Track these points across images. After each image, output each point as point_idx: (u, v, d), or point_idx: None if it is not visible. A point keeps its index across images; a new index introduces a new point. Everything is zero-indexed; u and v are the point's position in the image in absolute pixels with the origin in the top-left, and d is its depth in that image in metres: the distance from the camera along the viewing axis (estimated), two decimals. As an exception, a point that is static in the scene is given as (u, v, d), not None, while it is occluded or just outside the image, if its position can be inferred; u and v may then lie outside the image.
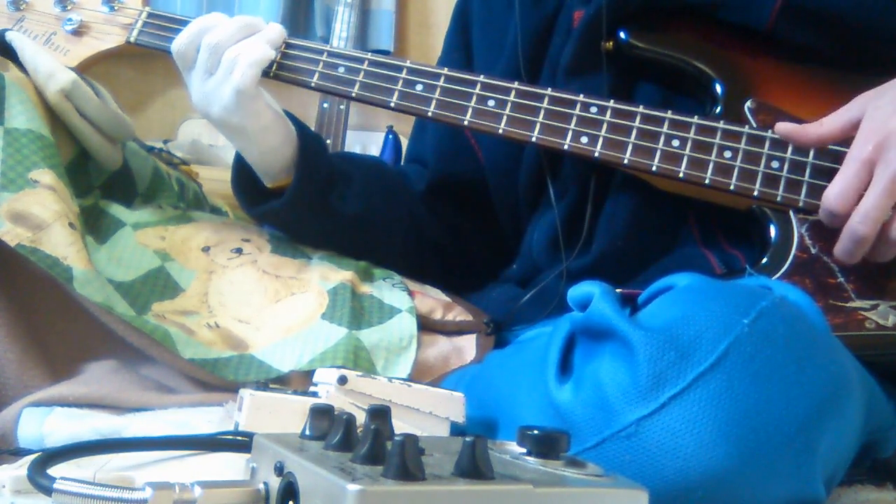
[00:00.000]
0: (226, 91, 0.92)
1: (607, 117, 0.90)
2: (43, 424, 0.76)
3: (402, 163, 2.08)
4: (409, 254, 1.08)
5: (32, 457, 0.57)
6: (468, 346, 0.97)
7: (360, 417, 0.51)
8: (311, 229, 1.02)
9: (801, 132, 0.83)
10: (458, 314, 1.00)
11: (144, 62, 2.30)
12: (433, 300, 1.01)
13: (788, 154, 0.86)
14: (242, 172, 1.01)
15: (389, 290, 0.99)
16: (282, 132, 0.96)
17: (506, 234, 1.09)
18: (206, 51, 0.92)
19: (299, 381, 0.84)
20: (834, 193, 0.78)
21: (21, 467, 0.61)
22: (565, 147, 0.90)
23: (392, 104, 0.95)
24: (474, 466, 0.45)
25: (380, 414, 0.51)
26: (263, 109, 0.94)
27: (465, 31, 1.11)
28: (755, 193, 0.86)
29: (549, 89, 0.92)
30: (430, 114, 0.94)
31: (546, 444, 0.51)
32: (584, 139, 0.90)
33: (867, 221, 0.77)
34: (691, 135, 0.88)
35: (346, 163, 1.05)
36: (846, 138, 0.80)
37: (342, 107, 2.12)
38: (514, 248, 1.08)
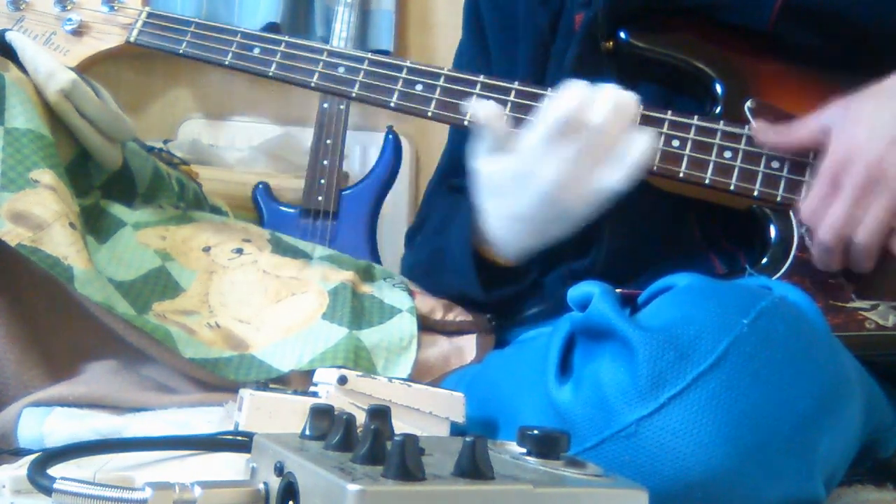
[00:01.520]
0: (600, 188, 0.82)
1: (607, 117, 0.89)
2: (43, 424, 0.77)
3: (401, 167, 2.09)
4: None
5: (32, 457, 0.57)
6: (468, 346, 0.97)
7: (360, 417, 0.51)
8: None
9: (772, 135, 0.85)
10: (459, 314, 1.00)
11: (144, 62, 2.29)
12: (433, 300, 1.01)
13: (789, 154, 0.86)
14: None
15: (390, 290, 0.99)
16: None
17: None
18: (596, 133, 0.81)
19: (299, 381, 0.84)
20: (805, 206, 0.81)
21: (21, 467, 0.61)
22: (565, 147, 0.90)
23: (392, 104, 0.95)
24: (474, 466, 0.45)
25: (380, 414, 0.51)
26: None
27: (480, 35, 1.10)
28: (755, 193, 0.86)
29: (549, 89, 0.92)
30: (429, 114, 0.94)
31: (546, 444, 0.51)
32: (585, 139, 0.89)
33: (831, 232, 0.79)
34: (691, 135, 0.88)
35: None
36: (815, 145, 0.82)
37: (342, 107, 2.12)
38: None
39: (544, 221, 0.86)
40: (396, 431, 0.48)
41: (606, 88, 0.83)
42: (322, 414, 0.53)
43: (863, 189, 0.77)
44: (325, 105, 2.12)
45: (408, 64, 0.96)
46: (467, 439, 0.46)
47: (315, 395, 0.71)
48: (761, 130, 0.86)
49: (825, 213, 0.80)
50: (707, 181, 0.87)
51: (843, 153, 0.79)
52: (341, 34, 2.20)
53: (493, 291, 0.95)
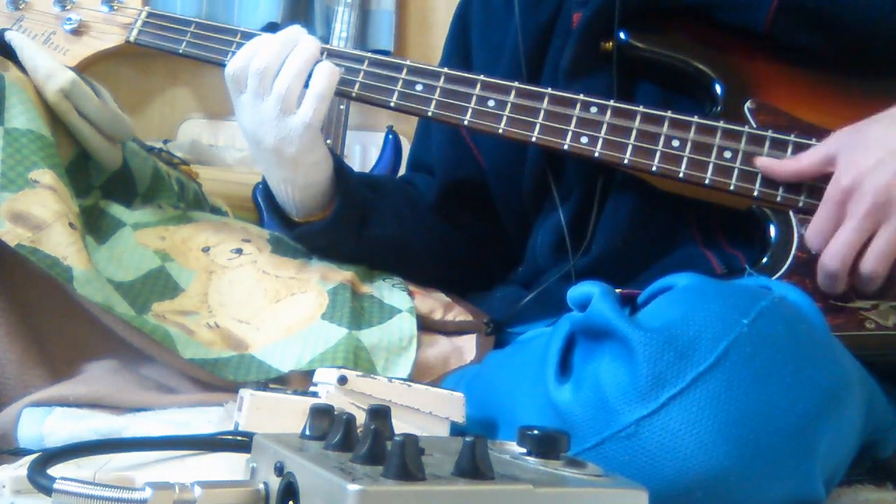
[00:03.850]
0: (293, 123, 0.91)
1: (607, 118, 0.90)
2: (43, 424, 0.76)
3: (401, 166, 2.10)
4: (439, 266, 1.08)
5: (32, 457, 0.57)
6: (468, 346, 0.97)
7: (360, 417, 0.51)
8: (344, 253, 1.02)
9: (777, 167, 0.85)
10: (458, 314, 1.00)
11: (144, 62, 2.30)
12: (433, 300, 1.01)
13: (789, 155, 0.86)
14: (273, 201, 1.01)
15: (389, 291, 0.99)
16: (326, 167, 0.96)
17: (511, 237, 1.09)
18: (255, 77, 0.91)
19: (299, 381, 0.84)
20: (811, 232, 0.82)
21: (21, 467, 0.61)
22: (565, 147, 0.90)
23: (392, 104, 0.95)
24: (474, 466, 0.45)
25: (380, 414, 0.51)
26: (320, 144, 0.94)
27: (464, 35, 1.11)
28: (755, 193, 0.86)
29: (549, 89, 0.92)
30: (429, 114, 0.94)
31: (546, 444, 0.51)
32: (584, 139, 0.90)
33: (835, 258, 0.79)
34: (691, 135, 0.88)
35: (373, 190, 1.05)
36: (823, 174, 0.82)
37: (342, 107, 2.12)
38: (519, 250, 1.08)
39: (271, 165, 0.95)
40: (396, 431, 0.48)
41: (275, 35, 0.93)
42: (322, 414, 0.53)
43: (869, 216, 0.77)
44: (325, 105, 2.12)
45: (408, 64, 0.96)
46: (467, 439, 0.46)
47: (315, 395, 0.71)
48: (768, 165, 0.86)
49: (831, 240, 0.80)
50: (707, 181, 0.87)
51: (850, 180, 0.79)
52: (341, 34, 2.20)
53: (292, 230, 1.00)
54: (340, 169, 0.98)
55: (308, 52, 0.93)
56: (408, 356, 0.91)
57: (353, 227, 0.99)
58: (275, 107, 0.90)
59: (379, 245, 1.02)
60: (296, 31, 0.95)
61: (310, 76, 0.92)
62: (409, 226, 1.05)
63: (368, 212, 1.01)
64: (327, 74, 0.92)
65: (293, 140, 0.91)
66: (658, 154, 0.88)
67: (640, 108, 0.89)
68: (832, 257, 0.80)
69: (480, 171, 1.08)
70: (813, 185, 0.84)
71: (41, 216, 0.82)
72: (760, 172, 0.86)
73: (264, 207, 1.02)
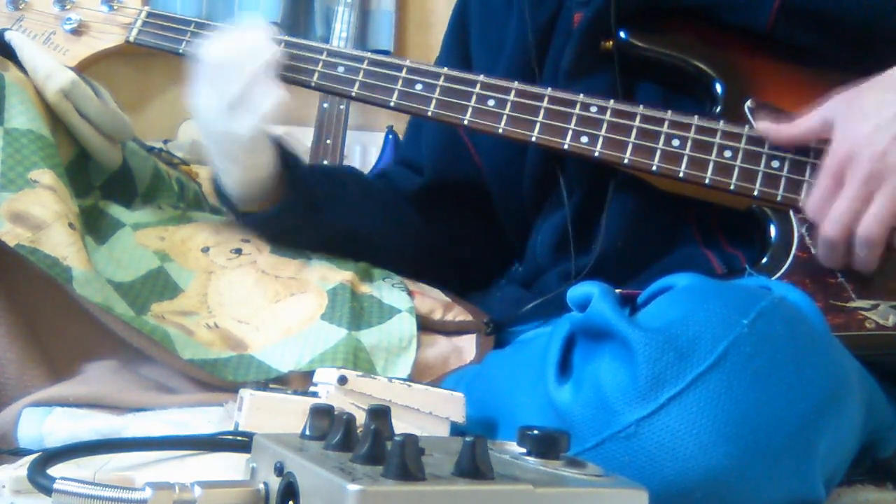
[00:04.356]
0: (239, 129, 0.91)
1: (607, 117, 0.90)
2: (43, 424, 0.76)
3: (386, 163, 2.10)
4: (406, 256, 1.08)
5: (32, 457, 0.57)
6: (468, 346, 0.97)
7: (360, 417, 0.51)
8: (297, 241, 1.02)
9: (775, 131, 0.85)
10: (458, 314, 1.00)
11: (144, 62, 2.29)
12: (433, 300, 1.01)
13: (789, 154, 0.86)
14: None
15: (389, 291, 0.99)
16: (268, 166, 0.96)
17: (510, 237, 1.09)
18: (215, 69, 0.91)
19: (299, 381, 0.84)
20: (811, 202, 0.82)
21: (21, 467, 0.61)
22: (565, 147, 0.90)
23: (392, 104, 0.95)
24: (474, 466, 0.45)
25: (380, 414, 0.51)
26: (265, 149, 0.95)
27: (462, 33, 1.11)
28: (755, 193, 0.86)
29: (549, 89, 0.92)
30: (430, 113, 0.94)
31: (546, 444, 0.51)
32: (584, 139, 0.90)
33: (834, 226, 0.80)
34: (691, 134, 0.88)
35: (327, 179, 1.05)
36: (820, 139, 0.83)
37: (342, 107, 2.12)
38: (518, 250, 1.08)
39: (214, 154, 0.96)
40: (396, 431, 0.48)
41: (244, 34, 0.94)
42: (322, 414, 0.53)
43: (866, 183, 0.77)
44: (325, 105, 2.12)
45: (407, 63, 0.96)
46: (467, 439, 0.46)
47: (315, 395, 0.71)
48: (764, 126, 0.86)
49: (829, 208, 0.80)
50: (707, 181, 0.87)
51: (847, 148, 0.79)
52: (341, 34, 2.20)
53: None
54: (283, 150, 0.98)
55: (263, 60, 0.93)
56: (407, 356, 0.91)
57: (301, 214, 0.99)
58: (225, 105, 0.91)
59: (334, 232, 1.02)
60: (257, 35, 0.95)
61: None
62: (366, 214, 1.05)
63: (318, 198, 1.01)
64: (275, 97, 0.93)
65: (236, 139, 0.92)
66: (658, 153, 0.88)
67: (640, 108, 0.89)
68: (832, 224, 0.80)
69: (476, 170, 1.08)
70: (813, 184, 0.84)
71: (41, 216, 0.82)
72: (755, 133, 0.86)
73: (214, 192, 1.02)
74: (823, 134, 0.82)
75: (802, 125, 0.84)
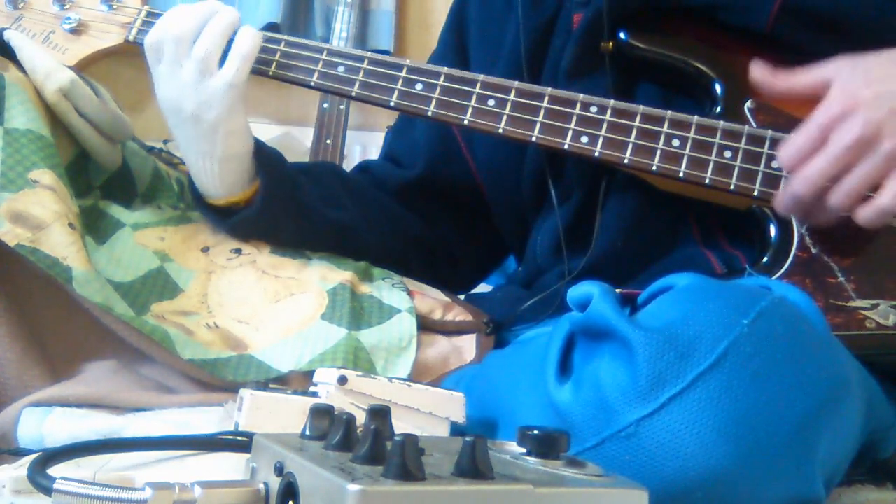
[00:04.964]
0: (214, 85, 0.90)
1: (607, 117, 0.90)
2: (43, 424, 0.76)
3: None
4: (392, 250, 1.08)
5: (32, 457, 0.57)
6: (468, 346, 0.97)
7: (360, 417, 0.51)
8: (284, 238, 1.01)
9: (770, 82, 0.84)
10: (458, 314, 1.00)
11: (144, 61, 2.29)
12: (433, 300, 1.01)
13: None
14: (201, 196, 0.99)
15: (389, 291, 0.99)
16: (247, 140, 0.95)
17: (508, 238, 1.09)
18: (172, 43, 0.91)
19: (299, 381, 0.84)
20: (786, 150, 0.80)
21: (21, 467, 0.61)
22: (565, 146, 0.90)
23: (392, 104, 0.95)
24: (474, 466, 0.45)
25: (380, 414, 0.51)
26: (241, 110, 0.93)
27: (460, 33, 1.11)
28: (755, 193, 0.86)
29: (549, 89, 0.92)
30: (430, 113, 0.94)
31: (546, 444, 0.51)
32: (585, 139, 0.90)
33: (807, 184, 0.78)
34: (691, 134, 0.88)
35: (302, 172, 1.04)
36: (814, 96, 0.80)
37: (342, 106, 2.12)
38: (518, 251, 1.08)
39: (190, 140, 0.94)
40: (396, 431, 0.48)
41: (193, 5, 0.93)
42: (322, 414, 0.53)
43: (851, 149, 0.76)
44: (326, 105, 2.12)
45: (407, 63, 0.96)
46: (467, 439, 0.46)
47: (315, 395, 0.71)
48: (759, 75, 0.85)
49: (805, 164, 0.78)
50: (707, 181, 0.87)
51: (843, 106, 0.77)
52: (341, 34, 2.20)
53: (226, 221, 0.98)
54: (259, 143, 0.97)
55: (227, 20, 0.93)
56: (407, 356, 0.91)
57: (281, 209, 0.97)
58: (194, 70, 0.90)
59: (317, 226, 1.01)
60: (213, 3, 0.95)
61: (232, 41, 0.93)
62: (347, 206, 1.04)
63: (298, 191, 0.99)
64: (251, 36, 0.93)
65: (213, 103, 0.91)
66: (658, 153, 0.88)
67: (640, 108, 0.89)
68: (804, 182, 0.78)
69: (467, 169, 1.08)
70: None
71: (41, 216, 0.82)
72: (754, 85, 0.85)
73: (193, 201, 1.00)
74: (820, 91, 0.80)
75: (801, 79, 0.82)
